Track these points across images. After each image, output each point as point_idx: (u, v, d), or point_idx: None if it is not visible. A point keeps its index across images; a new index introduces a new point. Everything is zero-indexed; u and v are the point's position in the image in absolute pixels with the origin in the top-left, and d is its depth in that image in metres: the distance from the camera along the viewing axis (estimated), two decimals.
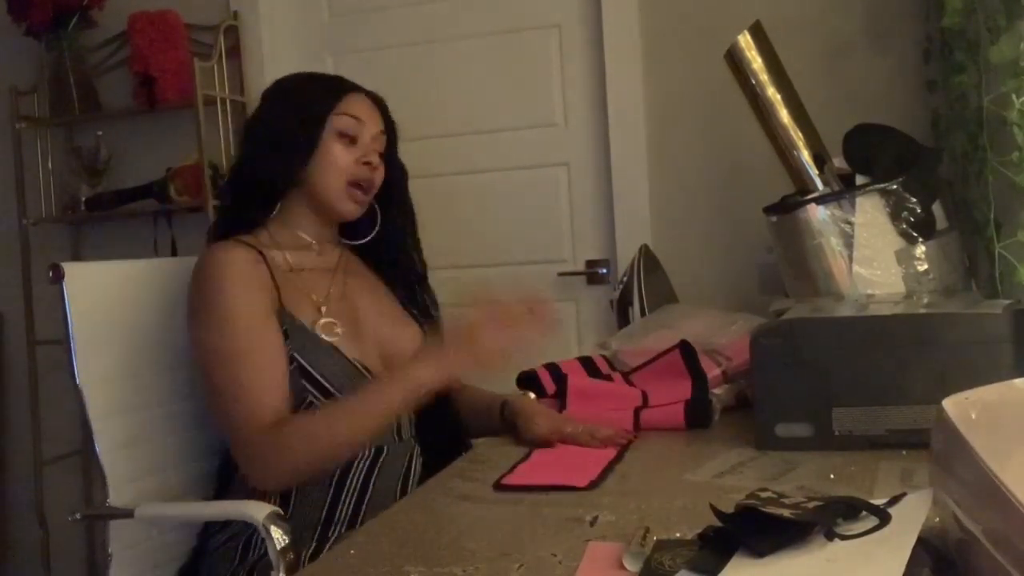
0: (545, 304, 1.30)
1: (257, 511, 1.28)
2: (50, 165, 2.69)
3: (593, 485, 1.13)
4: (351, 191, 1.49)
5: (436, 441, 1.50)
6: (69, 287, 1.44)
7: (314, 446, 1.32)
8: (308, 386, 1.37)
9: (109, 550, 1.44)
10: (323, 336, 1.41)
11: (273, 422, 1.33)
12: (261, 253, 1.44)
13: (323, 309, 1.45)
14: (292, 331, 1.39)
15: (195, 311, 1.42)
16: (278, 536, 1.25)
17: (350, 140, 1.49)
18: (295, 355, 1.38)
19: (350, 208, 1.51)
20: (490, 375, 1.65)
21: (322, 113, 1.48)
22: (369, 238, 1.58)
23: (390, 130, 1.57)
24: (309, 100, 1.50)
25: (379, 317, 1.54)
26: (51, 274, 1.45)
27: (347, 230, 1.59)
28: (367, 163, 1.49)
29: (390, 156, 1.57)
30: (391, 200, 1.58)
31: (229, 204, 1.55)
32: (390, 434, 1.45)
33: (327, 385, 1.38)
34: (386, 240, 1.60)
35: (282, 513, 1.29)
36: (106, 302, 1.51)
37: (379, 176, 1.53)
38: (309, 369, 1.37)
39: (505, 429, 1.47)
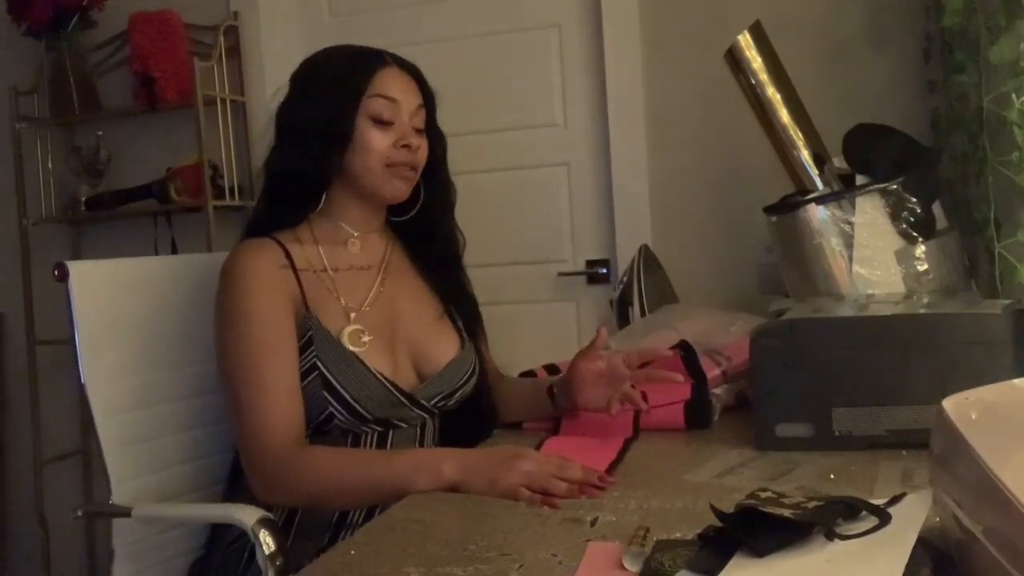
0: (608, 482, 1.13)
1: (247, 516, 1.27)
2: (50, 165, 2.69)
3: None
4: (394, 170, 1.43)
5: (463, 437, 1.47)
6: (74, 285, 1.45)
7: (324, 484, 1.28)
8: (328, 396, 1.34)
9: (112, 546, 1.45)
10: (348, 345, 1.37)
11: (287, 439, 1.31)
12: (290, 256, 1.41)
13: (352, 316, 1.41)
14: (317, 337, 1.36)
15: (217, 312, 1.40)
16: (267, 542, 1.24)
17: (385, 123, 1.42)
18: (318, 363, 1.34)
19: (397, 187, 1.44)
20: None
21: (353, 98, 1.41)
22: (412, 213, 1.51)
23: (428, 98, 1.50)
24: (338, 84, 1.42)
25: (416, 320, 1.49)
26: (56, 273, 1.44)
27: (394, 210, 1.53)
28: (406, 146, 1.42)
29: (429, 126, 1.50)
30: (429, 173, 1.51)
31: (267, 200, 1.48)
32: (410, 442, 1.43)
33: (347, 397, 1.34)
34: (425, 216, 1.53)
35: (272, 518, 1.28)
36: (110, 300, 1.51)
37: (422, 155, 1.46)
38: (331, 380, 1.34)
39: (556, 409, 1.47)
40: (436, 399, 1.45)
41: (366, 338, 1.40)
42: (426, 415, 1.44)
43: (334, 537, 1.36)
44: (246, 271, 1.38)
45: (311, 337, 1.36)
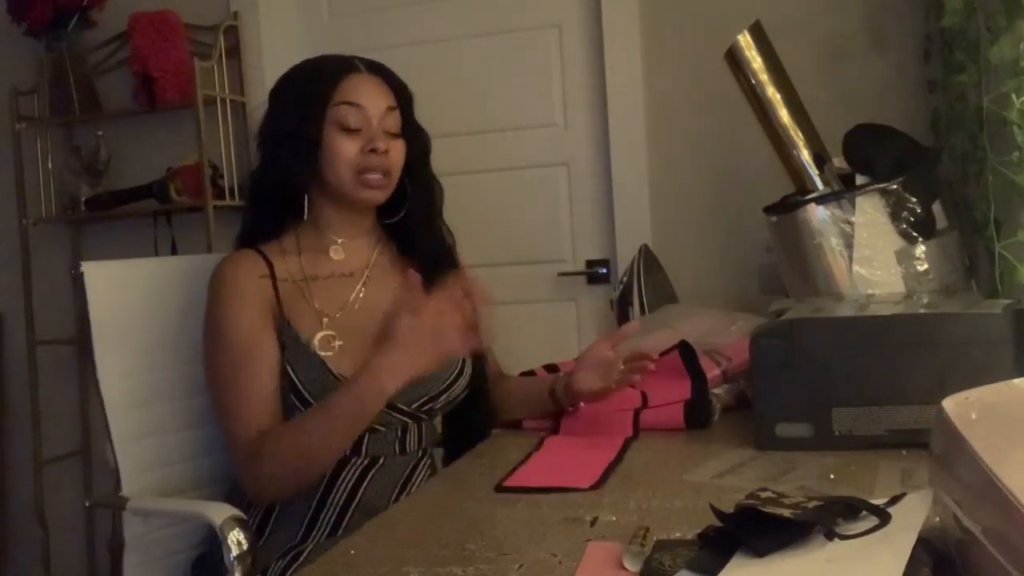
0: (472, 280, 1.30)
1: (216, 514, 1.27)
2: (50, 165, 2.69)
3: (596, 486, 1.13)
4: (364, 178, 1.43)
5: (462, 436, 1.50)
6: (88, 285, 1.49)
7: (285, 457, 1.32)
8: (295, 400, 1.37)
9: (124, 536, 1.48)
10: (317, 350, 1.39)
11: (256, 436, 1.34)
12: (271, 265, 1.44)
13: (324, 321, 1.43)
14: (288, 343, 1.39)
15: (204, 320, 1.45)
16: (235, 541, 1.24)
17: (352, 130, 1.43)
18: (288, 367, 1.38)
19: (371, 195, 1.46)
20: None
21: (319, 108, 1.43)
22: (398, 217, 1.52)
23: (402, 99, 1.50)
24: (306, 96, 1.45)
25: None
26: (72, 272, 1.51)
27: (384, 212, 1.54)
28: (373, 150, 1.43)
29: (407, 126, 1.50)
30: (409, 173, 1.51)
31: (252, 211, 1.52)
32: (390, 446, 1.44)
33: (310, 399, 1.37)
34: (409, 218, 1.53)
35: (243, 517, 1.28)
36: (122, 300, 1.55)
37: (393, 158, 1.46)
38: (296, 383, 1.37)
39: (557, 408, 1.49)
40: (418, 402, 1.44)
41: (336, 343, 1.41)
42: (408, 419, 1.44)
43: (306, 534, 1.37)
44: (225, 283, 1.43)
45: (283, 343, 1.39)
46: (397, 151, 1.47)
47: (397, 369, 1.30)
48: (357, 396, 1.31)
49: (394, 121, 1.47)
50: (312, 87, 1.45)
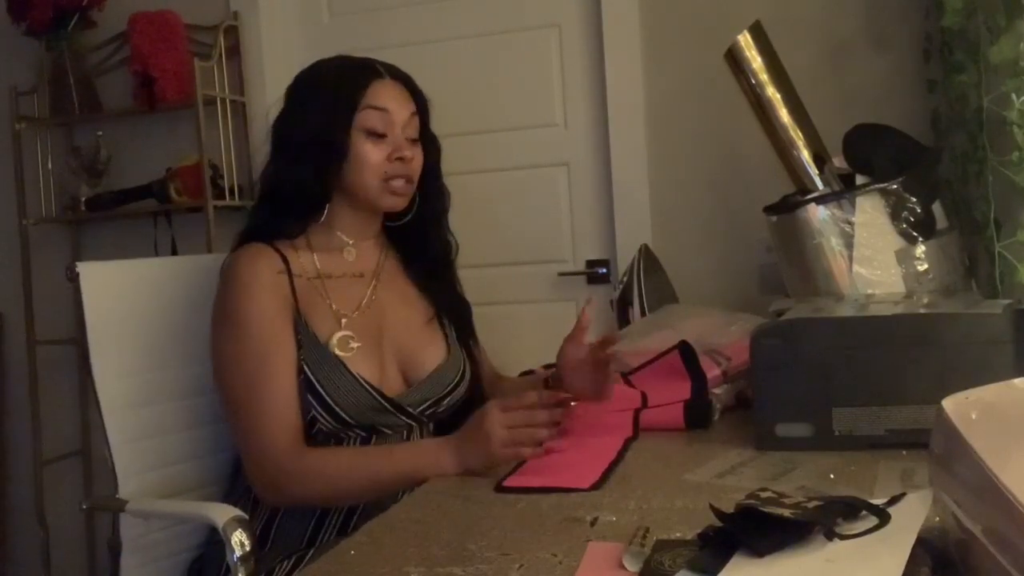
0: (572, 407, 1.28)
1: (219, 515, 1.27)
2: (50, 165, 2.69)
3: (596, 486, 1.13)
4: (390, 185, 1.44)
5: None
6: (84, 286, 1.48)
7: (328, 486, 1.33)
8: (312, 400, 1.35)
9: (120, 538, 1.47)
10: (336, 350, 1.39)
11: (287, 444, 1.33)
12: (287, 260, 1.43)
13: (343, 322, 1.43)
14: (305, 342, 1.38)
15: (216, 316, 1.43)
16: (240, 541, 1.24)
17: (379, 136, 1.43)
18: (304, 366, 1.36)
19: (394, 202, 1.47)
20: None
21: (346, 112, 1.42)
22: (406, 219, 1.52)
23: (421, 105, 1.51)
24: (331, 98, 1.43)
25: (405, 329, 1.50)
26: (67, 273, 1.49)
27: (388, 217, 1.54)
28: (400, 158, 1.44)
29: (423, 133, 1.52)
30: (423, 180, 1.52)
31: (268, 211, 1.48)
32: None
33: (329, 401, 1.35)
34: (418, 223, 1.54)
35: (245, 518, 1.28)
36: (119, 300, 1.54)
37: (417, 164, 1.48)
38: (314, 383, 1.36)
39: None
40: (423, 406, 1.45)
41: (354, 344, 1.41)
42: (413, 422, 1.45)
43: (313, 537, 1.38)
44: (243, 275, 1.40)
45: (299, 341, 1.38)
46: (419, 159, 1.49)
47: (465, 458, 1.26)
48: (418, 457, 1.30)
49: (415, 128, 1.48)
50: (338, 91, 1.44)
